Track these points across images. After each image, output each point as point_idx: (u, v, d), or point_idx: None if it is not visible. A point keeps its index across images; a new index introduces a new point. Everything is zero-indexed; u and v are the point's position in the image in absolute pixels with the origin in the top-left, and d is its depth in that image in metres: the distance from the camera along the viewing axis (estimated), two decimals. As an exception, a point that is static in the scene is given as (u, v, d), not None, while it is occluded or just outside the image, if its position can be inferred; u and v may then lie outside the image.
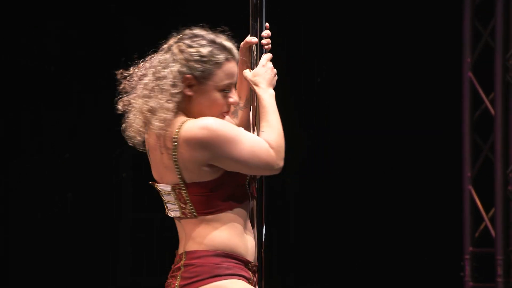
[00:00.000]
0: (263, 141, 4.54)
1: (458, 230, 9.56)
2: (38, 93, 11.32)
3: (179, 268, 4.48)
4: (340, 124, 10.64)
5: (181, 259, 4.50)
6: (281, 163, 4.56)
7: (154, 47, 4.68)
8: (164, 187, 4.54)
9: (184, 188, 4.52)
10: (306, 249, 10.85)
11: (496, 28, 9.39)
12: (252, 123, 4.86)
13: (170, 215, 4.59)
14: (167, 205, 4.57)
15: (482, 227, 9.49)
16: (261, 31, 4.87)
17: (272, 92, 4.66)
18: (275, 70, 4.73)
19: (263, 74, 4.70)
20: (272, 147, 4.53)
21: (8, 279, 11.11)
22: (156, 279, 10.72)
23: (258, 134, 4.70)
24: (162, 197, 4.59)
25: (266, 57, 4.73)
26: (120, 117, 4.76)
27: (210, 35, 4.63)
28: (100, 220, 10.60)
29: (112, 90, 12.09)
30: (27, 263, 11.11)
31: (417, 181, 10.32)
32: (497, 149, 9.37)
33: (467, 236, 9.47)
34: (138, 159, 10.50)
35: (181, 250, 4.55)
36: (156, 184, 4.56)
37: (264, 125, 4.62)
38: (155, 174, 4.57)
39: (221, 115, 4.62)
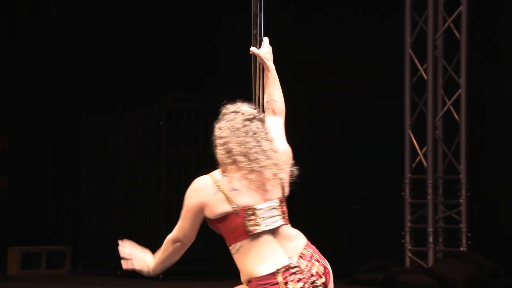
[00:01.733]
0: None
1: (401, 162, 9.67)
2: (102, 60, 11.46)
3: (312, 253, 4.22)
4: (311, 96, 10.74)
5: (307, 248, 4.23)
6: None
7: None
8: (271, 204, 4.15)
9: (283, 201, 4.25)
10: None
11: (428, 18, 9.59)
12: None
13: (263, 230, 4.11)
14: (265, 220, 4.14)
15: (417, 160, 9.63)
16: (261, 21, 4.69)
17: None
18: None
19: (270, 52, 4.63)
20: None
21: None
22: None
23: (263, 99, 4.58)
24: (255, 216, 4.13)
25: (267, 40, 4.65)
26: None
27: None
28: (144, 155, 10.77)
29: (155, 52, 11.72)
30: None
31: (370, 127, 10.20)
32: (429, 104, 9.53)
33: (407, 166, 9.63)
34: (171, 112, 10.67)
35: (299, 244, 4.25)
36: (256, 205, 4.11)
37: (276, 88, 4.52)
38: (255, 198, 4.13)
39: None
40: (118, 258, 4.57)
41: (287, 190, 4.28)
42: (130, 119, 10.68)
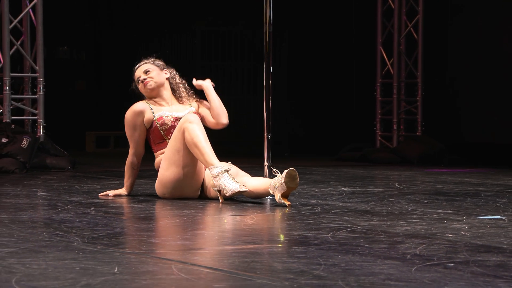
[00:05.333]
0: None
1: (374, 70, 9.58)
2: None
3: None
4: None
5: None
6: None
7: None
8: None
9: None
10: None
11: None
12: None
13: None
14: None
15: (386, 68, 9.55)
16: (270, 19, 4.74)
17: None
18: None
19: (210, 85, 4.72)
20: None
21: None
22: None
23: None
24: None
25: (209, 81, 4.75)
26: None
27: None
28: (183, 66, 10.81)
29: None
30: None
31: (352, 44, 10.22)
32: (395, 26, 9.41)
33: (378, 73, 9.56)
34: (204, 33, 10.72)
35: None
36: None
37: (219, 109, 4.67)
38: None
39: (145, 90, 4.73)
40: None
41: None
42: (174, 38, 10.74)
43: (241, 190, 4.28)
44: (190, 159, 4.46)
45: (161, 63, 4.84)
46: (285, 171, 4.20)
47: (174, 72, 4.87)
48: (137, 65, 4.82)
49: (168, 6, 10.96)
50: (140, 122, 4.65)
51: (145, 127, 4.68)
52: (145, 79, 4.72)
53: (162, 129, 4.65)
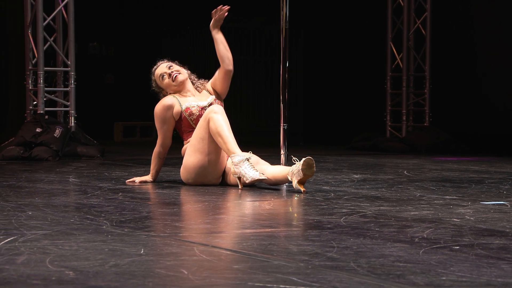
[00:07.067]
0: None
1: (384, 64, 9.56)
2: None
3: None
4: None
5: None
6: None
7: None
8: None
9: None
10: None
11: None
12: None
13: None
14: None
15: (395, 62, 9.52)
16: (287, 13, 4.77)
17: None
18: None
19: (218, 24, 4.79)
20: None
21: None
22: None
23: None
24: None
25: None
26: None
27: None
28: (203, 59, 10.78)
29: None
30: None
31: (363, 40, 10.20)
32: (404, 23, 9.37)
33: (388, 67, 9.52)
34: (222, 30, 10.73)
35: None
36: None
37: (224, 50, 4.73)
38: None
39: (175, 83, 4.70)
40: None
41: None
42: (194, 35, 10.76)
43: (260, 178, 4.29)
44: (213, 147, 4.47)
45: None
46: (303, 159, 4.21)
47: (189, 71, 4.89)
48: (155, 67, 4.80)
49: (190, 3, 10.97)
50: (170, 115, 4.65)
51: (174, 120, 4.68)
52: (172, 72, 4.70)
53: (190, 119, 4.65)
